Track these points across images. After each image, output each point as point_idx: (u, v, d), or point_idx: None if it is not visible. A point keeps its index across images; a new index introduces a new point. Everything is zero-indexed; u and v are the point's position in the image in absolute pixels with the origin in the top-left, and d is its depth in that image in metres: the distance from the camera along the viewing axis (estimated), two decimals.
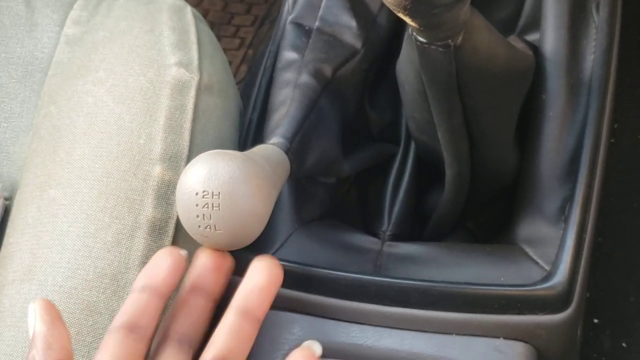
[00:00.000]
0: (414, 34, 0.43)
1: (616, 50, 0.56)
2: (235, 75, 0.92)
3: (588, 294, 0.74)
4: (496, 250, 0.52)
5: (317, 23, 0.57)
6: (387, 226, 0.58)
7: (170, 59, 0.50)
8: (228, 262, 0.37)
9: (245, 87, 0.63)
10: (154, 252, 0.41)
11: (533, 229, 0.51)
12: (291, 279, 0.50)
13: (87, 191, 0.46)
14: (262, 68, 0.59)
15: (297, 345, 0.50)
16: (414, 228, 0.61)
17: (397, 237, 0.58)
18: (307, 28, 0.57)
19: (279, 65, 0.57)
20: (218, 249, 0.41)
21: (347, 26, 0.57)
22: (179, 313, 0.36)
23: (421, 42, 0.43)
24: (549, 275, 0.48)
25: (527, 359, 0.47)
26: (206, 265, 0.36)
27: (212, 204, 0.39)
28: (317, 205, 0.57)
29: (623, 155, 0.87)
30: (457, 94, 0.47)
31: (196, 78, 0.50)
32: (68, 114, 0.49)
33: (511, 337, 0.47)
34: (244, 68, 0.93)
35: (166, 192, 0.46)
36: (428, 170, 0.60)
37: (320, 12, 0.58)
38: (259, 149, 0.45)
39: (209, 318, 0.37)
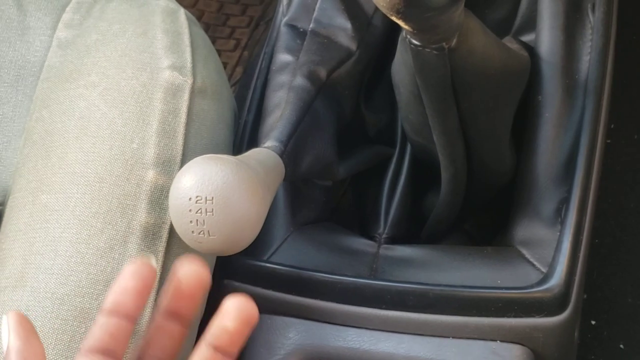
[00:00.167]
0: (408, 36, 0.43)
1: (612, 50, 0.55)
2: (230, 76, 0.91)
3: (585, 296, 0.74)
4: (493, 253, 0.52)
5: (311, 25, 0.57)
6: (383, 229, 0.58)
7: (163, 62, 0.50)
8: (204, 283, 0.36)
9: (240, 89, 0.63)
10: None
11: (529, 231, 0.51)
12: (287, 283, 0.50)
13: (80, 196, 0.45)
14: (257, 70, 0.59)
15: (293, 350, 0.49)
16: (410, 230, 0.60)
17: (394, 239, 0.58)
18: (301, 30, 0.57)
19: (274, 67, 0.56)
20: (212, 254, 0.41)
21: (342, 28, 0.57)
22: (154, 339, 0.36)
23: (415, 45, 0.43)
24: (545, 278, 0.48)
25: None
26: (182, 290, 0.36)
27: (206, 209, 0.39)
28: (313, 208, 0.57)
29: (620, 155, 0.87)
30: (452, 96, 0.46)
31: (189, 81, 0.50)
32: (60, 118, 0.49)
33: (508, 340, 0.47)
34: (239, 69, 0.92)
35: (160, 197, 0.46)
36: (424, 172, 0.59)
37: (315, 14, 0.57)
38: (253, 152, 0.45)
39: (183, 341, 0.37)
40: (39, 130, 0.49)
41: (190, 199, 0.39)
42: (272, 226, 0.53)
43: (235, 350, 0.35)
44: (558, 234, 0.49)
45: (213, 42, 0.56)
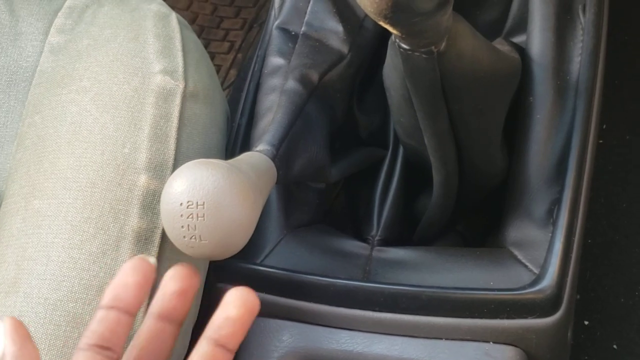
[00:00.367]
0: (397, 41, 0.43)
1: (603, 51, 0.56)
2: (224, 79, 0.91)
3: (578, 296, 0.74)
4: (485, 254, 0.52)
5: (303, 28, 0.57)
6: (376, 231, 0.58)
7: (155, 67, 0.50)
8: (194, 286, 0.37)
9: (234, 92, 0.63)
10: None
11: (522, 232, 0.51)
12: (280, 286, 0.50)
13: (72, 202, 0.45)
14: (250, 72, 0.59)
15: (287, 352, 0.49)
16: (403, 232, 0.61)
17: (387, 241, 0.58)
18: (293, 33, 0.57)
19: (266, 71, 0.56)
20: (204, 259, 0.41)
21: (334, 31, 0.57)
22: (147, 342, 0.36)
23: (404, 49, 0.43)
24: (538, 279, 0.48)
25: None
26: (173, 292, 0.36)
27: (197, 214, 0.39)
28: (306, 210, 0.57)
29: (611, 156, 0.87)
30: (442, 99, 0.47)
31: (181, 85, 0.50)
32: (52, 123, 0.49)
33: (501, 342, 0.47)
34: (233, 72, 0.92)
35: (152, 202, 0.46)
36: (417, 174, 0.60)
37: (306, 17, 0.58)
38: (244, 156, 0.45)
39: (174, 343, 0.37)
40: (31, 135, 0.49)
41: (181, 204, 0.39)
42: (265, 229, 0.53)
43: (236, 343, 0.35)
44: (550, 234, 0.50)
45: (207, 45, 0.56)
